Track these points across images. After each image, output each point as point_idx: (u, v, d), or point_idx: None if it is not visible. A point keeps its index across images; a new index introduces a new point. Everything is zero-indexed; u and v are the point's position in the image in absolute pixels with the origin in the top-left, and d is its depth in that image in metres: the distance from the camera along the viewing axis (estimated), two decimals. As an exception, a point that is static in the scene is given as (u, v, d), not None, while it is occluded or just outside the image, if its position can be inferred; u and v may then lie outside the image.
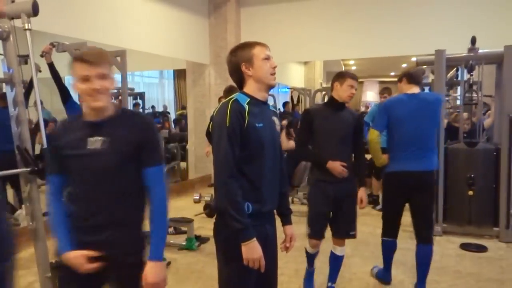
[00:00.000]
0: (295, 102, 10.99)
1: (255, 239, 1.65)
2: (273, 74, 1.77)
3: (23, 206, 4.53)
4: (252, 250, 1.64)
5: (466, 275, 3.47)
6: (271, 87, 1.80)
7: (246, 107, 1.70)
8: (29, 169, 2.48)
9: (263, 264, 1.66)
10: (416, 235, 3.12)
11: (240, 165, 1.70)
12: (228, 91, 4.40)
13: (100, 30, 5.06)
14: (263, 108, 1.79)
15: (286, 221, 1.96)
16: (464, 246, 4.13)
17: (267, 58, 1.76)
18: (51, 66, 3.92)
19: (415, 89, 3.07)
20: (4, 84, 2.58)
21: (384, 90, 5.73)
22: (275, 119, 1.86)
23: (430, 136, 3.03)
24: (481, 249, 4.05)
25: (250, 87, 1.77)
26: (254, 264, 1.65)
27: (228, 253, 1.69)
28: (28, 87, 4.08)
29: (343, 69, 16.20)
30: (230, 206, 1.65)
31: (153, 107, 12.37)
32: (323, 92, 9.33)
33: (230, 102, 1.70)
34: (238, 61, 1.76)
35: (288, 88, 12.68)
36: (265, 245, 1.76)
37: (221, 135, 1.67)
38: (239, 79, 1.79)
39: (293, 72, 12.57)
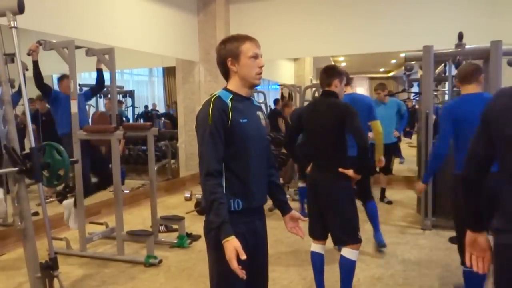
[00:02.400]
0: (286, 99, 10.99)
1: (233, 236, 1.59)
2: (259, 73, 1.74)
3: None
4: (229, 247, 1.57)
5: (455, 268, 3.51)
6: (254, 86, 1.79)
7: (229, 103, 1.70)
8: (17, 168, 2.46)
9: (235, 266, 1.56)
10: None
11: (227, 161, 1.69)
12: None
13: (88, 28, 5.01)
14: (247, 104, 1.78)
15: (286, 210, 1.94)
16: (453, 240, 4.17)
17: (255, 57, 1.72)
18: (36, 65, 3.91)
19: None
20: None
21: (380, 86, 5.74)
22: (260, 113, 1.85)
23: None
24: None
25: (234, 83, 1.76)
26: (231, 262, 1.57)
27: (217, 250, 1.67)
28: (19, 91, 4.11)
29: (333, 66, 16.27)
30: (209, 203, 1.63)
31: (146, 107, 12.27)
32: (313, 89, 9.35)
33: (213, 99, 1.70)
34: (226, 55, 1.73)
35: (278, 85, 12.68)
36: (254, 240, 1.77)
37: (204, 132, 1.66)
38: (225, 72, 1.78)
39: (283, 68, 12.57)
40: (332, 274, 3.12)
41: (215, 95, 1.73)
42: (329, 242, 2.84)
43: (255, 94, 9.42)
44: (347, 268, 2.70)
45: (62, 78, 4.60)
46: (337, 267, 2.77)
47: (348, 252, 2.69)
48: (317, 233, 2.79)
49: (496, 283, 1.47)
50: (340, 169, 2.65)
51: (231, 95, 1.73)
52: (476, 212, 1.58)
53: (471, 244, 1.58)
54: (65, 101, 4.12)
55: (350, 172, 2.65)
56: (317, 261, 2.81)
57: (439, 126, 2.94)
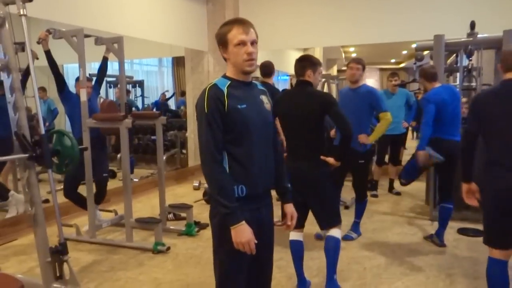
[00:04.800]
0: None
1: (244, 222, 1.64)
2: (247, 60, 1.67)
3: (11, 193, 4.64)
4: (240, 234, 1.63)
5: (462, 259, 3.51)
6: (247, 73, 1.73)
7: (225, 90, 1.68)
8: (27, 155, 2.49)
9: (253, 247, 1.65)
10: None
11: (228, 148, 1.69)
12: (264, 66, 4.37)
13: (97, 16, 5.02)
14: (246, 89, 1.75)
15: (285, 199, 1.95)
16: (462, 231, 4.16)
17: (241, 43, 1.66)
18: (48, 54, 3.91)
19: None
20: (0, 72, 2.58)
21: (393, 74, 5.70)
22: (264, 97, 1.82)
23: None
24: (478, 234, 4.06)
25: (230, 69, 1.75)
26: (244, 248, 1.64)
27: (221, 237, 1.69)
28: (24, 74, 4.08)
29: (343, 56, 16.13)
30: (216, 191, 1.66)
31: (163, 94, 12.20)
32: (323, 80, 9.28)
33: (207, 88, 1.70)
34: (218, 43, 1.74)
35: (287, 76, 12.62)
36: (260, 228, 1.77)
37: (201, 122, 1.68)
38: (224, 58, 1.77)
39: (293, 59, 12.42)
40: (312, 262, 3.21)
41: (211, 83, 1.72)
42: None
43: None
44: (335, 247, 2.83)
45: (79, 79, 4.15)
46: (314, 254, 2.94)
47: (335, 231, 2.84)
48: (297, 223, 2.82)
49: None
50: (322, 157, 2.76)
51: (229, 82, 1.72)
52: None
53: (467, 190, 2.45)
54: (79, 104, 3.91)
55: (331, 160, 2.78)
56: (299, 249, 2.89)
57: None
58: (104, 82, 6.89)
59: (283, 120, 2.85)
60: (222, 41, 1.71)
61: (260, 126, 1.75)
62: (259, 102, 1.79)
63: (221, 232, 1.67)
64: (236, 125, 1.68)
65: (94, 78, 4.48)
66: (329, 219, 2.84)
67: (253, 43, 1.69)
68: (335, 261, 2.85)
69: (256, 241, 1.66)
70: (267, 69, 4.38)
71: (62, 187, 5.14)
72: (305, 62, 2.81)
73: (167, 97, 11.78)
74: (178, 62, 13.16)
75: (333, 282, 2.84)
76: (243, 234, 1.63)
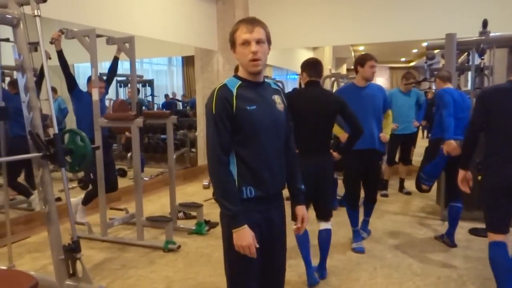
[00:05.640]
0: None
1: (246, 226, 1.64)
2: (252, 60, 1.65)
3: (35, 191, 4.69)
4: (242, 237, 1.63)
5: (474, 260, 3.47)
6: (254, 73, 1.70)
7: (235, 91, 1.67)
8: (41, 154, 2.53)
9: (254, 252, 1.64)
10: None
11: (237, 149, 1.69)
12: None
13: (108, 16, 5.06)
14: (257, 89, 1.73)
15: (296, 201, 1.94)
16: (473, 231, 4.12)
17: (245, 43, 1.64)
18: (60, 54, 3.96)
19: None
20: (15, 72, 2.62)
21: (408, 74, 5.66)
22: (277, 97, 1.79)
23: None
24: (490, 234, 4.04)
25: (241, 69, 1.74)
26: (244, 251, 1.64)
27: (230, 238, 1.68)
28: (39, 76, 4.14)
29: (353, 55, 16.05)
30: (220, 193, 1.68)
31: (166, 95, 12.33)
32: (332, 79, 9.26)
33: (217, 88, 1.69)
34: (229, 43, 1.74)
35: (297, 75, 12.60)
36: (270, 230, 1.76)
37: (209, 122, 1.68)
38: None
39: (302, 58, 12.42)
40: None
41: (221, 83, 1.72)
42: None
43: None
44: (328, 238, 3.06)
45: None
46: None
47: (328, 224, 3.06)
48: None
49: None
50: (331, 151, 3.11)
51: (239, 82, 1.71)
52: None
53: (462, 178, 2.71)
54: (90, 104, 3.94)
55: (335, 154, 3.20)
56: (306, 239, 3.00)
57: None
58: (115, 81, 6.95)
59: (297, 117, 2.89)
60: (231, 41, 1.71)
61: (271, 127, 1.73)
62: (270, 103, 1.76)
63: (230, 233, 1.67)
64: (245, 126, 1.67)
65: (104, 78, 4.52)
66: (329, 211, 3.09)
67: (259, 42, 1.65)
68: (327, 250, 3.11)
69: (257, 246, 1.66)
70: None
71: (74, 185, 5.20)
72: (320, 66, 3.07)
73: (170, 97, 11.88)
74: (187, 62, 13.22)
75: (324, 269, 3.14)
76: (244, 238, 1.63)
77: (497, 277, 2.51)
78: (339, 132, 3.54)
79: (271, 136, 1.74)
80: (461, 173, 2.70)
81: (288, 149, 1.87)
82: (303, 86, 3.11)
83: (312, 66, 3.03)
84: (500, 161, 2.47)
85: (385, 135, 3.64)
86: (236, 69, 1.80)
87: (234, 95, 1.67)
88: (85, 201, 4.36)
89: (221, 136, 1.65)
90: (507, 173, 2.43)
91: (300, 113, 2.90)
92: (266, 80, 1.81)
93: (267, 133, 1.72)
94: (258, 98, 1.72)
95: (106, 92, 4.62)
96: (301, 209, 1.92)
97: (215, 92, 1.68)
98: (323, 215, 3.05)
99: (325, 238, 3.05)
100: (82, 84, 4.41)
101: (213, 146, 1.66)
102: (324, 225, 3.04)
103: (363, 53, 4.06)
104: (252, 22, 1.67)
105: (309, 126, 2.93)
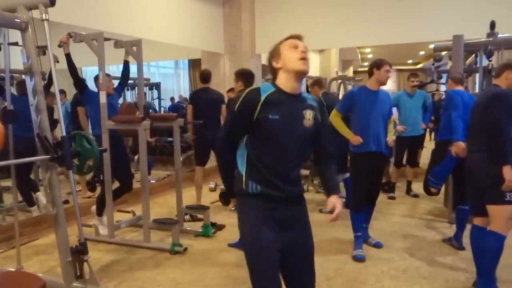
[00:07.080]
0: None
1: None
2: (301, 59, 1.76)
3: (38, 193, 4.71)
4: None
5: (482, 262, 3.44)
6: (300, 73, 1.76)
7: (263, 97, 1.70)
8: (49, 156, 2.55)
9: None
10: None
11: (250, 150, 1.76)
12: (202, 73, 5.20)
13: (116, 20, 5.11)
14: (287, 101, 1.74)
15: (329, 191, 1.92)
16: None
17: (294, 47, 1.79)
18: (68, 57, 3.99)
19: None
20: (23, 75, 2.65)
21: (412, 75, 5.64)
22: (308, 112, 1.78)
23: None
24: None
25: (280, 79, 1.79)
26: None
27: (245, 239, 1.80)
28: (48, 83, 4.17)
29: (359, 57, 16.02)
30: (221, 175, 1.96)
31: (172, 98, 12.37)
32: (339, 81, 9.24)
33: (249, 89, 1.76)
34: (269, 58, 1.86)
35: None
36: (284, 228, 1.77)
37: (228, 116, 1.86)
38: (271, 71, 1.87)
39: (309, 60, 12.43)
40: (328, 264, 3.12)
41: (256, 86, 1.79)
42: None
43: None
44: None
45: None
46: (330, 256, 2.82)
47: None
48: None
49: None
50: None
51: (273, 89, 1.75)
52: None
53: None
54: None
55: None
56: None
57: None
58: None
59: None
60: (274, 53, 1.80)
61: (289, 140, 1.74)
62: (297, 117, 1.76)
63: (241, 210, 1.82)
64: (263, 133, 1.71)
65: (118, 81, 4.55)
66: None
67: (305, 50, 1.77)
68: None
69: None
70: (205, 75, 5.25)
71: (81, 188, 5.20)
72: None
73: (179, 100, 11.92)
74: (194, 65, 13.24)
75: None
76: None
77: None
78: (348, 134, 3.53)
79: (288, 148, 1.75)
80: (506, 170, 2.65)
81: (325, 156, 1.96)
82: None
83: (251, 76, 3.45)
84: None
85: (390, 140, 3.65)
86: (275, 77, 1.82)
87: (262, 100, 1.70)
88: (99, 213, 4.28)
89: (233, 132, 1.80)
90: None
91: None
92: (303, 94, 1.82)
93: (284, 145, 1.74)
94: (284, 109, 1.72)
95: (120, 95, 4.65)
96: (331, 198, 1.88)
97: (246, 92, 1.75)
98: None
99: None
100: (91, 87, 4.43)
101: (224, 139, 1.84)
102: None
103: (370, 56, 4.09)
104: (300, 37, 1.82)
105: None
